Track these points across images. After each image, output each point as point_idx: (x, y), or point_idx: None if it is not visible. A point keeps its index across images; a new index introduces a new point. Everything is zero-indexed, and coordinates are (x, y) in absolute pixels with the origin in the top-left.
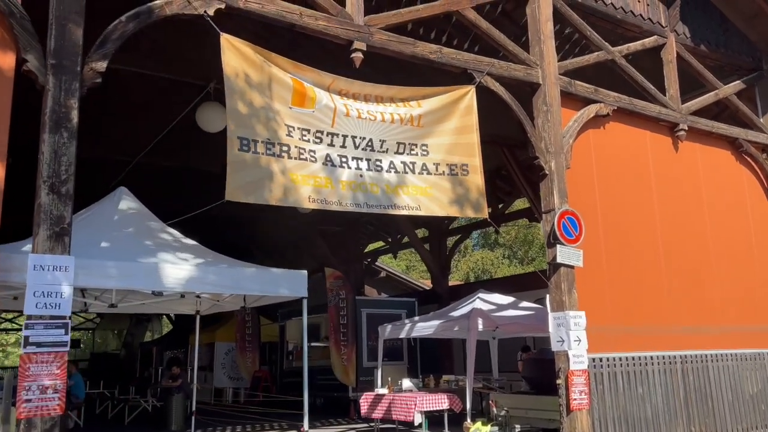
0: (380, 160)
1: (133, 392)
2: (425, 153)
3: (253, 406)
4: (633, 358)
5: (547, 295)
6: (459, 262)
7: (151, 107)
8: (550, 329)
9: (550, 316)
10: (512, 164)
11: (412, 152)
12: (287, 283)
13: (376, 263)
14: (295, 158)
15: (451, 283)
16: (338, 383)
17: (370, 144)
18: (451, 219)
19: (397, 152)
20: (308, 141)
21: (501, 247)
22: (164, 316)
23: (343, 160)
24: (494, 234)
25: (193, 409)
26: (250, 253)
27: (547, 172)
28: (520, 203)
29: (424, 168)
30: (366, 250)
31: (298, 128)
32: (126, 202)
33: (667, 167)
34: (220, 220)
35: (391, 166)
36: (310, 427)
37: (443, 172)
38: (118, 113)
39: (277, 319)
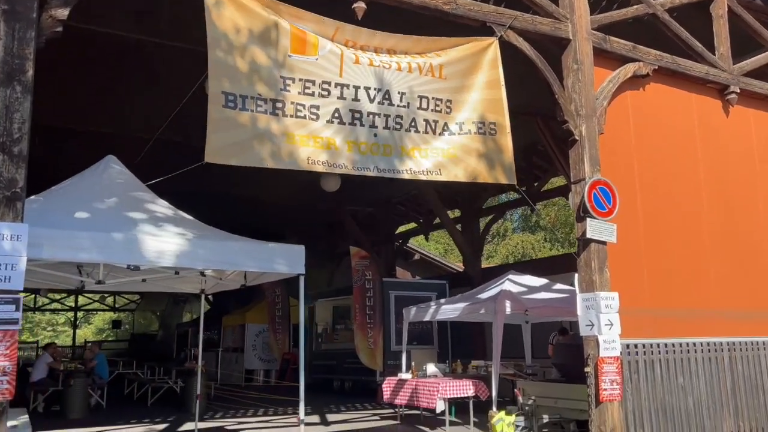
0: (400, 117)
1: (161, 373)
2: (449, 110)
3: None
4: (673, 345)
5: (576, 275)
6: (498, 245)
7: (172, 79)
8: (579, 312)
9: (579, 297)
10: (548, 138)
11: (437, 108)
12: (284, 259)
13: (410, 245)
14: (292, 116)
15: (484, 266)
16: (366, 367)
17: (387, 97)
18: (484, 198)
19: (420, 107)
20: (313, 95)
21: (542, 230)
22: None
23: (356, 116)
24: (535, 216)
25: (198, 392)
26: (284, 237)
27: (577, 138)
28: (559, 180)
29: (446, 128)
30: (397, 232)
31: (300, 80)
32: (112, 172)
33: (715, 134)
34: (251, 204)
35: (412, 124)
36: (335, 411)
37: (469, 131)
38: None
39: (306, 301)
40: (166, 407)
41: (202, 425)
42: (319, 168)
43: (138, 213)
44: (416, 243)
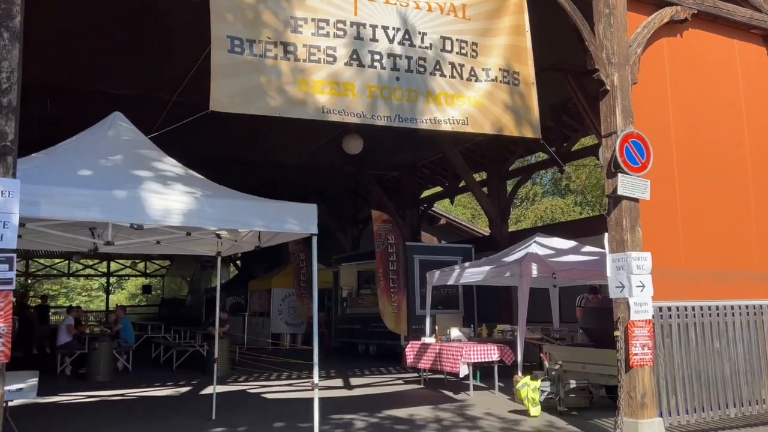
0: (424, 59)
1: (187, 337)
2: (474, 54)
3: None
4: (709, 308)
5: (606, 234)
6: (527, 210)
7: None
8: (608, 273)
9: (609, 257)
10: (579, 96)
11: (462, 51)
12: (295, 218)
13: (436, 210)
14: (305, 59)
15: (512, 230)
16: (391, 331)
17: (407, 37)
18: (510, 160)
19: (444, 49)
20: (328, 35)
21: (572, 194)
22: (231, 263)
23: (376, 57)
24: (565, 179)
25: (215, 356)
26: (306, 201)
27: (608, 88)
28: (589, 141)
29: (473, 73)
30: (422, 196)
31: (312, 20)
32: (119, 129)
33: (760, 84)
34: (272, 167)
35: (437, 67)
36: (359, 375)
37: (495, 78)
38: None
39: (331, 265)
40: (191, 371)
41: (222, 388)
42: (334, 117)
43: (144, 171)
44: (443, 208)
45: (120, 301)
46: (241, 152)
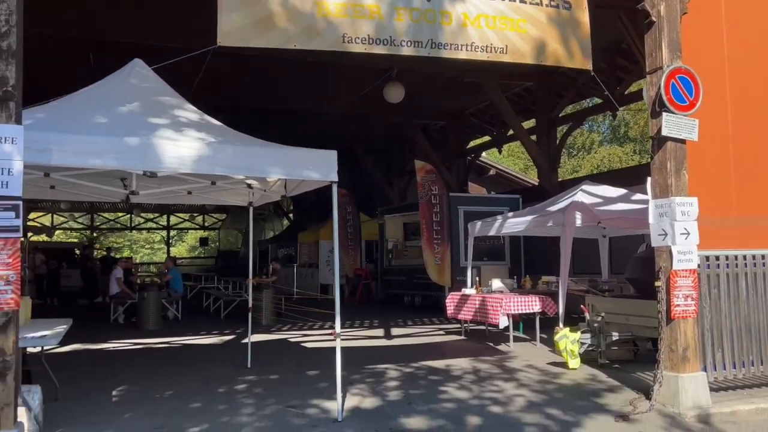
0: None
1: (236, 287)
2: None
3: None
4: (763, 257)
5: (648, 179)
6: (583, 159)
7: None
8: (650, 220)
9: (651, 203)
10: (632, 35)
11: None
12: (314, 166)
13: (485, 160)
14: None
15: (561, 179)
16: (435, 282)
17: None
18: (561, 105)
19: None
20: None
21: (631, 142)
22: (284, 216)
23: None
24: (624, 126)
25: (250, 305)
26: (355, 155)
27: (654, 19)
28: (645, 83)
29: None
30: (469, 146)
31: None
32: (138, 76)
33: None
34: (316, 119)
35: None
36: (401, 326)
37: (540, 1)
38: None
39: (376, 217)
40: (238, 320)
41: (264, 337)
42: (357, 48)
43: (161, 118)
44: (493, 158)
45: (180, 253)
46: (282, 103)
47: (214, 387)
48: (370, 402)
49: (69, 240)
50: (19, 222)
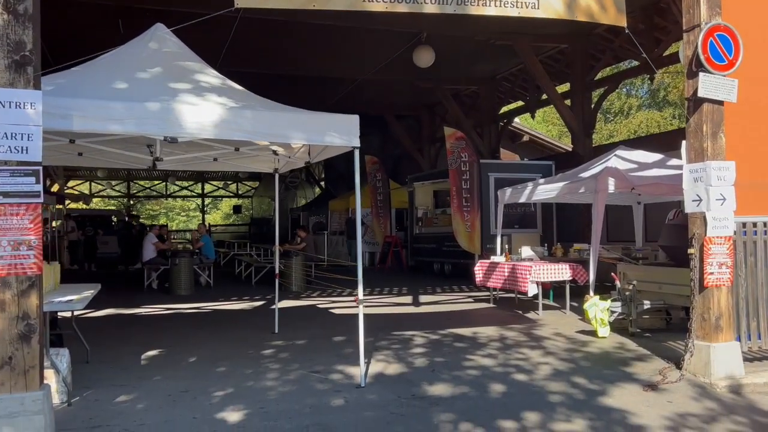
0: None
1: (268, 254)
2: None
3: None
4: None
5: (683, 143)
6: (620, 125)
7: None
8: (684, 185)
9: (686, 168)
10: None
11: None
12: (336, 130)
13: (518, 126)
14: None
15: (595, 144)
16: (465, 250)
17: None
18: (597, 68)
19: None
20: None
21: (670, 106)
22: (315, 184)
23: None
24: (663, 90)
25: (276, 270)
26: (385, 122)
27: None
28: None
29: None
30: (501, 111)
31: None
32: (160, 41)
33: None
34: (346, 85)
35: None
36: (430, 293)
37: None
38: None
39: (406, 184)
40: (268, 287)
41: (294, 303)
42: (378, 6)
43: (182, 83)
44: (527, 124)
45: (215, 221)
46: (310, 70)
47: (240, 352)
48: (394, 368)
49: (107, 207)
50: (39, 187)
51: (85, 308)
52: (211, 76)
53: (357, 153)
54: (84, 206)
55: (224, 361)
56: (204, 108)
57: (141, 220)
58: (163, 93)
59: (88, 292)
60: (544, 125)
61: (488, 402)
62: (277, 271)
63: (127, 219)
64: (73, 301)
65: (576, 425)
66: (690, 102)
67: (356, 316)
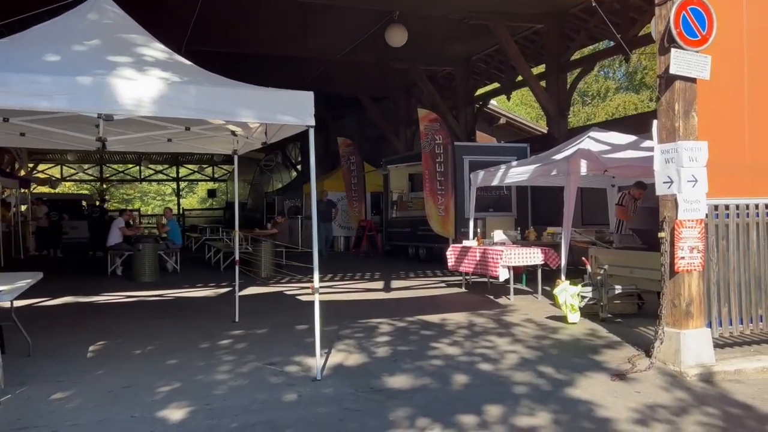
0: None
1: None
2: None
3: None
4: None
5: (654, 122)
6: (597, 107)
7: None
8: (656, 166)
9: (656, 149)
10: None
11: None
12: (289, 108)
13: (495, 108)
14: None
15: (571, 127)
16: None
17: None
18: (572, 49)
19: None
20: None
21: (648, 89)
22: (292, 167)
23: None
24: (640, 72)
25: (236, 257)
26: (359, 103)
27: None
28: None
29: None
30: (477, 93)
31: None
32: (101, 12)
33: None
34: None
35: None
36: (403, 278)
37: None
38: None
39: (381, 167)
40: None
41: (261, 290)
42: None
43: (122, 57)
44: (504, 107)
45: (191, 205)
46: (278, 48)
47: (196, 342)
48: (355, 359)
49: (81, 192)
50: None
51: (41, 297)
52: (156, 50)
53: (311, 133)
54: (51, 191)
55: (177, 353)
56: (143, 83)
57: (106, 206)
58: (99, 66)
59: (23, 282)
60: (522, 108)
61: (449, 395)
62: (237, 257)
63: (98, 203)
64: (2, 292)
65: (539, 419)
66: (661, 79)
67: (323, 303)
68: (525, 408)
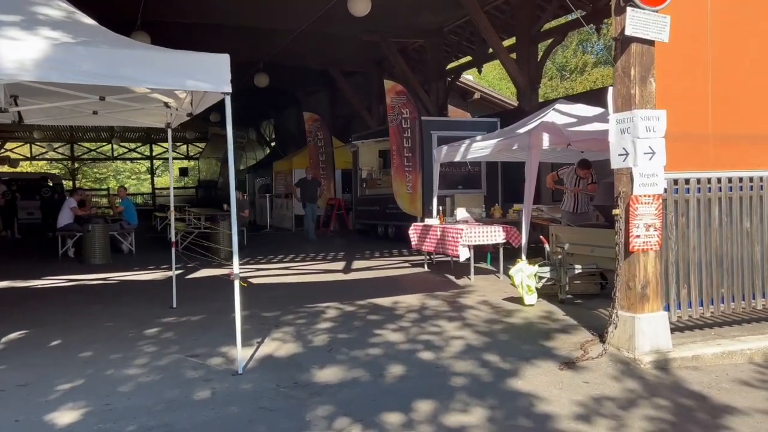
0: None
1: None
2: None
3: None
4: (741, 179)
5: (609, 89)
6: (575, 82)
7: None
8: (611, 138)
9: (611, 118)
10: None
11: None
12: (201, 73)
13: (469, 82)
14: None
15: (542, 100)
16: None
17: None
18: (543, 20)
19: None
20: None
21: None
22: (266, 145)
23: None
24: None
25: (172, 239)
26: (330, 76)
27: None
28: None
29: None
30: (449, 67)
31: None
32: None
33: None
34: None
35: None
36: (367, 258)
37: None
38: None
39: (350, 144)
40: (196, 254)
41: (215, 272)
42: None
43: (9, 15)
44: (478, 81)
45: (165, 184)
46: (242, 18)
47: (124, 331)
48: (287, 349)
49: (52, 171)
50: None
51: None
52: (54, 9)
53: (228, 100)
54: (10, 169)
55: (95, 344)
56: (27, 44)
57: (57, 183)
58: None
59: None
60: (503, 83)
61: (379, 389)
62: (172, 239)
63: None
64: None
65: (472, 416)
66: (617, 42)
67: (278, 285)
68: (459, 404)
